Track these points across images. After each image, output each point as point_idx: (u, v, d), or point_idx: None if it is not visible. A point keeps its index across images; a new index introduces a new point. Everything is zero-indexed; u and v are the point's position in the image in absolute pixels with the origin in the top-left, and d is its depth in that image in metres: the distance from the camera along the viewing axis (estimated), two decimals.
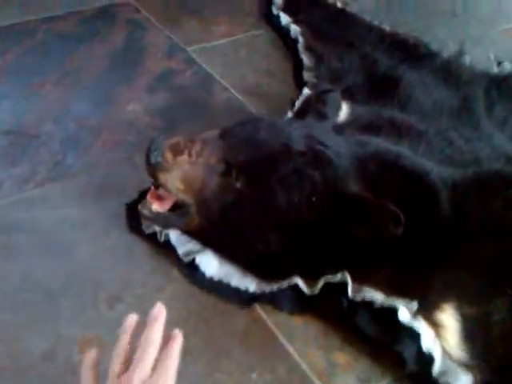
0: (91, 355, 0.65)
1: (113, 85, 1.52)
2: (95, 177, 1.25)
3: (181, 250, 1.07)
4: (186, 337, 0.95)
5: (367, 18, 1.76)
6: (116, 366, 0.62)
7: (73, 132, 1.36)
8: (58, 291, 1.01)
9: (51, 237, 1.11)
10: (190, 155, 1.01)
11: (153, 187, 1.07)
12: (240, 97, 1.51)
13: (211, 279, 1.05)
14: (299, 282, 1.01)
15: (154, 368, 0.62)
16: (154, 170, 1.01)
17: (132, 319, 0.68)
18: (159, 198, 1.06)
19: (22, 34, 1.67)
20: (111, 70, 1.57)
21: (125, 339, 0.66)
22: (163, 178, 1.01)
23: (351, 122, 1.25)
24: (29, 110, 1.39)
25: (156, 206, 1.06)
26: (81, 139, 1.34)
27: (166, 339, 0.67)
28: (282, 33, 1.73)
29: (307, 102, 1.21)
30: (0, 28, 1.68)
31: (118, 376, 0.61)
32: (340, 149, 1.05)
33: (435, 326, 0.94)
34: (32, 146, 1.30)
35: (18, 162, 1.26)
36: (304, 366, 0.95)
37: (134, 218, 1.13)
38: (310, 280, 1.02)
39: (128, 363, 0.63)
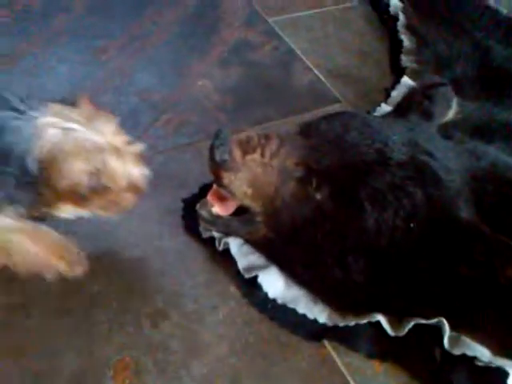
0: None
1: (182, 55, 1.35)
2: (152, 162, 1.07)
3: (241, 264, 0.91)
4: (238, 375, 0.81)
5: None
6: None
7: (133, 106, 1.21)
8: (97, 299, 0.87)
9: (96, 230, 0.96)
10: (262, 155, 0.83)
11: (215, 185, 0.90)
12: (324, 79, 1.30)
13: (274, 302, 0.88)
14: (382, 319, 0.84)
15: None
16: (218, 168, 0.84)
17: None
18: (222, 199, 0.90)
19: None
20: (181, 38, 1.40)
21: None
22: (228, 179, 0.84)
23: (460, 123, 1.03)
24: (87, 77, 1.25)
25: (217, 209, 0.90)
26: (141, 116, 1.19)
27: None
28: (380, 7, 1.50)
29: (410, 96, 0.99)
30: None
31: None
32: (449, 161, 0.85)
33: None
34: None
35: None
36: None
37: (191, 217, 0.97)
38: (396, 320, 0.84)
39: None
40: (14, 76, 1.23)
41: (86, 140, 0.72)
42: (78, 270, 0.84)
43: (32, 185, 0.72)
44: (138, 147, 0.78)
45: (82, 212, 0.80)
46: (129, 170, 0.76)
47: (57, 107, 0.75)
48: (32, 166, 0.70)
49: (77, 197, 0.73)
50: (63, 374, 0.79)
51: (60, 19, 1.40)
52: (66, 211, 0.78)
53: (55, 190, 0.72)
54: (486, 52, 1.30)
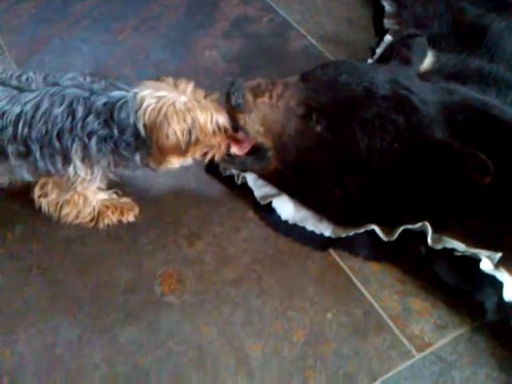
0: None
1: (190, 31, 1.52)
2: None
3: (257, 193, 1.08)
4: (261, 277, 0.99)
5: None
6: None
7: (151, 76, 1.36)
8: (141, 228, 1.05)
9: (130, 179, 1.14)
10: (270, 97, 1.00)
11: (231, 130, 1.08)
12: (317, 44, 1.48)
13: (286, 222, 1.06)
14: (376, 228, 1.01)
15: None
16: (234, 111, 1.01)
17: None
18: (237, 141, 1.07)
19: None
20: (187, 17, 1.57)
21: None
22: (243, 119, 1.01)
23: (436, 71, 1.20)
24: (108, 54, 1.42)
25: (234, 149, 1.07)
26: None
27: None
28: None
29: (391, 46, 1.16)
30: None
31: None
32: (426, 95, 1.01)
33: None
34: None
35: None
36: (379, 310, 0.95)
37: (210, 161, 1.14)
38: (388, 228, 1.01)
39: None
40: (46, 56, 1.41)
41: (176, 102, 0.89)
42: (131, 217, 1.05)
43: (144, 146, 0.92)
44: (215, 96, 0.95)
45: (185, 161, 0.98)
46: (213, 118, 0.93)
47: (149, 82, 0.94)
48: (141, 131, 0.89)
49: (178, 151, 0.92)
50: (120, 284, 0.97)
51: (79, 7, 1.57)
52: (173, 163, 0.96)
53: (160, 149, 0.90)
54: (459, 11, 1.46)
